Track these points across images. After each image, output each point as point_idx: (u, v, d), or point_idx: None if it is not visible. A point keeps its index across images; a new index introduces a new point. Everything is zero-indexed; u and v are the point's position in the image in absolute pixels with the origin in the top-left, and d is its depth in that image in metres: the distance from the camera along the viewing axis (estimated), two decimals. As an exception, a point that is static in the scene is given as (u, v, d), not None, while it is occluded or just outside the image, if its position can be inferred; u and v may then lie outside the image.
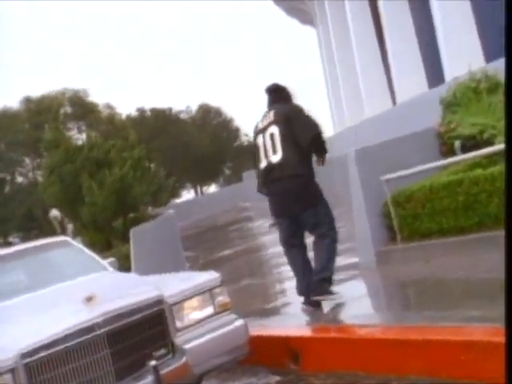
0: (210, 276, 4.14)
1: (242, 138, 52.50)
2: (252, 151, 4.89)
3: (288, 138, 4.63)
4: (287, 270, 7.51)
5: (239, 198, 25.88)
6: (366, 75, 23.16)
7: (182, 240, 12.33)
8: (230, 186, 35.21)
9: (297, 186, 4.61)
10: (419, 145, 7.42)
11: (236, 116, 78.44)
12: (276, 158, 4.65)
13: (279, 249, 10.21)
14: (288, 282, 6.85)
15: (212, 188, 56.18)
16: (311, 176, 4.69)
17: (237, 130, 52.35)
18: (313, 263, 4.80)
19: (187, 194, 51.40)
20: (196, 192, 50.57)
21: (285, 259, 8.57)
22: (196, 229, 20.14)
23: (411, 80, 19.79)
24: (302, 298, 4.88)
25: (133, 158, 17.34)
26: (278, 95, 4.81)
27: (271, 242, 11.38)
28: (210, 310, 3.99)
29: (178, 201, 42.57)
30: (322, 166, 4.77)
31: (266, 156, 4.69)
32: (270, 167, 4.65)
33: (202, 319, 3.94)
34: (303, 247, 4.85)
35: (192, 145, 43.48)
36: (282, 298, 6.22)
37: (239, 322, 3.97)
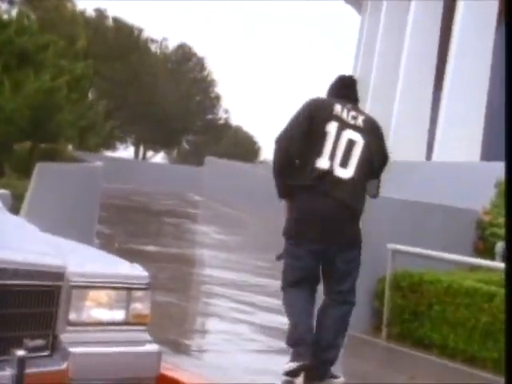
0: (134, 270, 4.03)
1: (219, 111, 52.49)
2: (304, 132, 4.65)
3: (369, 158, 4.68)
4: (221, 305, 7.51)
5: (191, 187, 25.66)
6: (404, 103, 23.39)
7: (101, 207, 12.17)
8: (184, 167, 35.05)
9: (349, 217, 4.63)
10: (451, 224, 7.53)
11: (221, 81, 78.14)
12: (344, 173, 4.63)
13: (221, 274, 10.29)
14: (220, 320, 6.82)
15: (159, 157, 55.96)
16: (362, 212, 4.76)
17: (217, 98, 52.25)
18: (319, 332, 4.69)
19: (123, 151, 51.00)
20: (137, 153, 50.23)
21: (223, 290, 8.67)
22: (122, 201, 19.85)
23: (461, 137, 19.99)
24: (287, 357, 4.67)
25: (74, 72, 16.76)
26: (354, 94, 4.88)
27: (211, 261, 11.35)
28: (120, 315, 3.88)
29: (109, 154, 42.19)
30: (376, 197, 4.88)
31: (332, 159, 4.63)
32: (331, 178, 4.61)
33: (106, 322, 3.83)
34: (311, 289, 4.75)
35: (153, 90, 42.83)
36: (206, 336, 6.20)
37: (153, 348, 3.88)
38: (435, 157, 20.76)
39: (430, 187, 14.92)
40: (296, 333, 4.64)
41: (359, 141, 4.67)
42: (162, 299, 7.10)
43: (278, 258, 4.78)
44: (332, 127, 4.67)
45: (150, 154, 52.94)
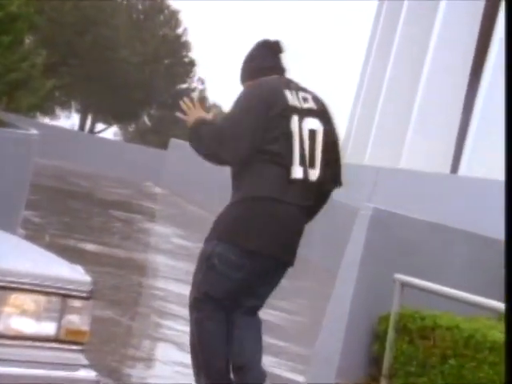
0: (74, 273, 4.02)
1: (193, 81, 52.40)
2: (257, 129, 4.73)
3: (330, 146, 4.87)
4: (177, 329, 7.52)
5: (150, 174, 25.86)
6: (428, 104, 23.42)
7: (31, 188, 12.12)
8: (143, 148, 34.95)
9: (304, 226, 4.89)
10: (479, 258, 7.58)
11: (198, 45, 78.12)
12: (313, 174, 4.79)
13: (179, 289, 10.09)
14: (173, 347, 6.94)
15: (110, 132, 55.80)
16: None
17: (191, 64, 52.22)
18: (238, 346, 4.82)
19: (65, 119, 50.79)
20: (82, 124, 50.08)
21: (180, 310, 8.57)
22: (59, 182, 19.91)
23: (497, 149, 20.04)
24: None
25: (7, 9, 16.48)
26: (283, 64, 5.05)
27: (168, 272, 11.39)
28: (50, 329, 3.88)
29: (47, 121, 41.99)
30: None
31: (304, 163, 4.76)
32: (305, 186, 4.77)
33: (30, 336, 3.82)
34: (230, 309, 4.88)
35: (111, 45, 42.47)
36: (155, 366, 6.29)
37: (89, 375, 3.87)
38: (463, 170, 20.88)
39: (453, 206, 15.00)
40: (216, 371, 4.73)
41: (318, 128, 4.82)
42: (102, 314, 7.14)
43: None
44: (294, 123, 4.77)
45: (99, 126, 52.87)
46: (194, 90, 52.44)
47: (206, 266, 4.77)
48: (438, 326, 6.12)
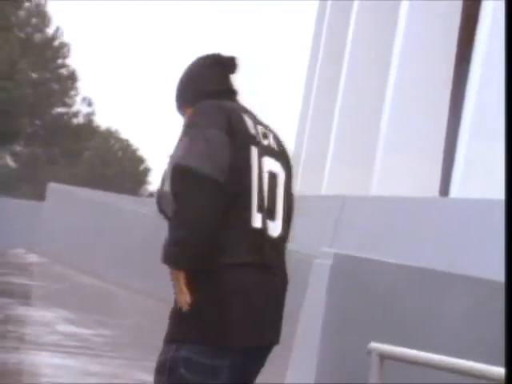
0: None
1: (76, 102, 52.48)
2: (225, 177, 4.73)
3: (289, 197, 5.02)
4: None
5: (20, 237, 25.87)
6: (398, 107, 23.72)
7: None
8: (8, 200, 34.78)
9: (284, 298, 4.97)
10: (480, 312, 7.66)
11: (80, 52, 78.60)
12: (274, 228, 4.88)
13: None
14: None
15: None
16: None
17: (72, 78, 52.33)
18: None
19: None
20: None
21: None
22: None
23: (499, 159, 20.41)
24: None
25: None
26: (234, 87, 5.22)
27: (55, 375, 11.31)
28: None
29: None
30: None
31: (262, 209, 4.82)
32: (268, 242, 4.84)
33: None
34: None
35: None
36: None
37: None
38: (455, 191, 21.15)
39: (446, 239, 15.20)
40: None
41: (280, 173, 4.96)
42: None
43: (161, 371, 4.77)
44: (254, 156, 4.85)
45: None
46: (76, 114, 52.47)
47: (170, 381, 4.71)
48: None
